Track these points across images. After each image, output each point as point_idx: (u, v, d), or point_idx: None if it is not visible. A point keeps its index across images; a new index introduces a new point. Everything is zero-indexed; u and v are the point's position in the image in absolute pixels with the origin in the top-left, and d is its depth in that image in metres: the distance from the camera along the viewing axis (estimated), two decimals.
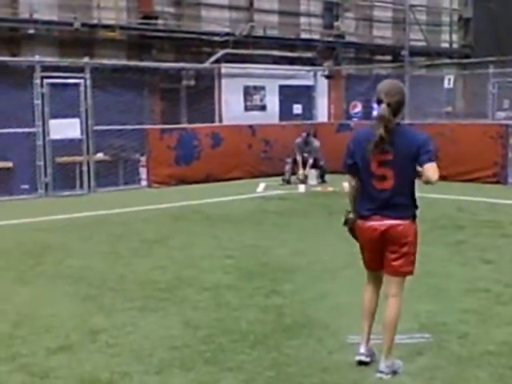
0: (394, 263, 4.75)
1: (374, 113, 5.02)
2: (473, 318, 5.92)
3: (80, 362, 5.02)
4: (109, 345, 5.37)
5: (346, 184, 5.00)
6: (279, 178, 16.50)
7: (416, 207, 4.80)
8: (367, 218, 4.79)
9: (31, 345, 5.41)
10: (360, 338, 5.02)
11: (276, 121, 19.34)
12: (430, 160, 4.61)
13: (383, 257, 4.81)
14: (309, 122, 18.75)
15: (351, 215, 4.95)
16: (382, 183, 4.69)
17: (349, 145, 4.89)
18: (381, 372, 4.67)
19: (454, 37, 28.09)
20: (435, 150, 4.73)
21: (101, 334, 5.61)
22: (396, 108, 4.68)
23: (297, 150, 16.68)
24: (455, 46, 28.08)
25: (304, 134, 17.16)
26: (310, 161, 16.57)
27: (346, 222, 5.01)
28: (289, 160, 16.62)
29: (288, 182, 16.26)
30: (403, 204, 4.72)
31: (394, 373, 4.68)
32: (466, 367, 4.84)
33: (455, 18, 28.14)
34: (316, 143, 16.87)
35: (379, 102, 4.69)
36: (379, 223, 4.73)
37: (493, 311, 6.15)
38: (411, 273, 4.84)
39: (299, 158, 16.55)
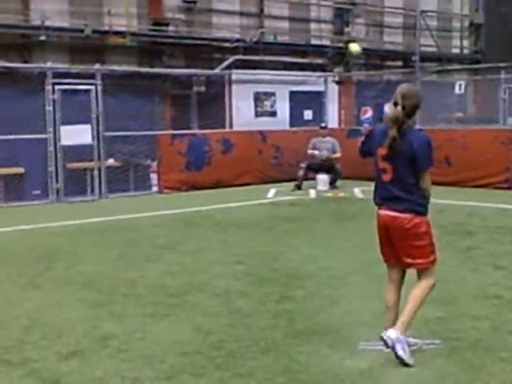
0: (406, 259, 5.09)
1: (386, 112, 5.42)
2: (484, 325, 5.89)
3: (91, 368, 5.03)
4: (120, 350, 5.38)
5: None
6: (290, 184, 16.48)
7: (422, 202, 5.04)
8: (379, 206, 5.21)
9: (42, 350, 5.42)
10: (371, 343, 5.00)
11: (286, 127, 19.35)
12: (424, 168, 5.01)
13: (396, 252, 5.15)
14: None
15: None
16: (384, 176, 5.10)
17: (367, 134, 5.41)
18: (382, 339, 4.99)
19: (465, 42, 28.04)
20: (431, 156, 5.09)
21: (112, 340, 5.62)
22: (410, 111, 5.11)
23: (310, 147, 16.68)
24: (466, 51, 28.03)
25: (324, 124, 17.23)
26: (338, 154, 16.61)
27: None
28: (303, 165, 16.58)
29: (299, 187, 16.22)
30: (403, 198, 5.00)
31: (394, 350, 4.88)
32: (477, 374, 4.81)
33: (466, 23, 28.10)
34: (334, 139, 16.90)
35: (396, 104, 5.10)
36: (385, 213, 5.12)
37: (505, 318, 6.12)
38: (423, 264, 5.09)
39: (314, 152, 16.57)
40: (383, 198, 5.14)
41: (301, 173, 16.45)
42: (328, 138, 16.90)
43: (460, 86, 19.56)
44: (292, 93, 19.73)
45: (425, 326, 5.73)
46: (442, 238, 9.79)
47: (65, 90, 14.62)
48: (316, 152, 16.61)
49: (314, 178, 16.55)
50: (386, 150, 5.02)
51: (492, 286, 7.20)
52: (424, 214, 5.06)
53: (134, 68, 17.82)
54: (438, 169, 16.35)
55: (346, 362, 5.07)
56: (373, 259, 8.59)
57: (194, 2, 19.90)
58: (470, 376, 4.80)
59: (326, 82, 20.00)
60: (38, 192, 14.74)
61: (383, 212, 5.13)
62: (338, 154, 16.68)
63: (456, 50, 27.70)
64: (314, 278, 7.70)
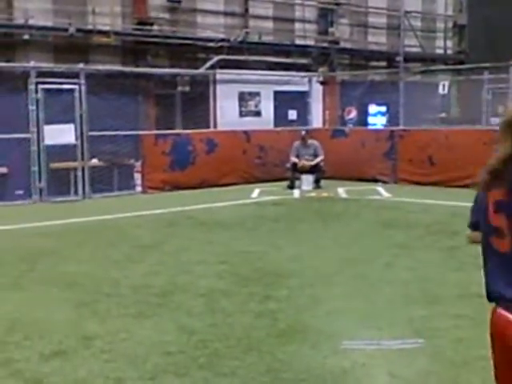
0: None
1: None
2: (466, 323, 5.92)
3: (74, 368, 5.01)
4: (103, 351, 5.36)
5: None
6: (274, 184, 16.54)
7: None
8: (496, 302, 2.91)
9: (25, 350, 5.39)
10: (354, 342, 5.01)
11: (271, 127, 19.36)
12: None
13: None
14: (304, 127, 18.69)
15: None
16: (499, 241, 2.79)
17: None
18: None
19: (449, 43, 28.16)
20: None
21: (95, 340, 5.60)
22: None
23: (292, 153, 16.71)
24: (450, 52, 28.16)
25: (304, 133, 17.21)
26: (320, 158, 16.64)
27: None
28: (288, 165, 16.65)
29: (292, 187, 16.28)
30: None
31: None
32: (459, 372, 4.84)
33: (450, 24, 28.23)
34: (316, 143, 16.91)
35: None
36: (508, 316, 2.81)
37: (486, 316, 6.08)
38: None
39: (295, 160, 16.58)
40: (502, 284, 2.81)
41: (289, 173, 16.54)
42: (310, 142, 16.90)
43: (444, 86, 19.68)
44: (276, 93, 19.75)
45: (408, 325, 5.76)
46: (427, 237, 9.89)
47: (48, 90, 14.53)
48: (297, 160, 16.61)
49: (298, 178, 16.58)
50: (502, 192, 2.73)
51: (474, 286, 7.21)
52: None
53: (118, 67, 17.75)
54: (422, 169, 16.54)
55: (328, 360, 5.09)
56: (356, 258, 8.65)
57: (179, 2, 19.86)
58: (452, 374, 4.83)
59: (310, 82, 20.02)
60: (21, 192, 14.63)
61: (503, 314, 2.85)
62: (319, 158, 16.70)
63: (440, 51, 27.81)
64: (298, 277, 7.70)
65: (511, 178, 2.69)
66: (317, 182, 16.55)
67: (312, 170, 16.61)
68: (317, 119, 20.10)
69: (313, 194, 15.52)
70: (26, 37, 17.17)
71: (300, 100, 19.75)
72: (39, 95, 14.44)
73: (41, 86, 14.46)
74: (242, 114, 19.42)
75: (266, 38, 21.79)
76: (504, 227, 2.71)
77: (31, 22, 17.11)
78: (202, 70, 19.14)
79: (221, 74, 19.06)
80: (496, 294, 2.84)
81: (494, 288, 2.85)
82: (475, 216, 3.00)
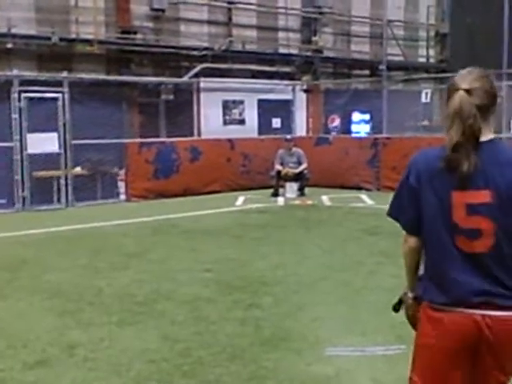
0: None
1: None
2: None
3: (57, 377, 5.00)
4: (86, 359, 5.35)
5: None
6: (258, 192, 16.57)
7: None
8: (448, 308, 2.80)
9: (8, 360, 5.37)
10: (338, 349, 5.03)
11: (255, 135, 19.39)
12: None
13: None
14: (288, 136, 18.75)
15: (409, 294, 3.10)
16: (473, 243, 2.76)
17: (408, 178, 3.01)
18: None
19: (431, 51, 28.34)
20: None
21: (78, 349, 5.58)
22: (486, 103, 2.87)
23: (277, 161, 16.75)
24: (432, 60, 28.34)
25: (289, 137, 17.25)
26: (303, 166, 16.66)
27: (398, 306, 3.22)
28: (273, 173, 16.70)
29: (276, 195, 16.30)
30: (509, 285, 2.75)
31: None
32: None
33: (432, 33, 28.42)
34: (300, 151, 16.96)
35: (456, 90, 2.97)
36: (472, 317, 2.75)
37: None
38: None
39: (279, 168, 16.63)
40: (474, 287, 2.75)
41: (273, 181, 16.58)
42: (294, 150, 16.95)
43: (426, 94, 19.79)
44: (260, 101, 19.78)
45: (391, 331, 5.78)
46: None
47: (31, 98, 14.48)
48: (281, 168, 16.67)
49: (282, 186, 16.62)
50: (485, 194, 2.74)
51: None
52: None
53: (101, 76, 17.74)
54: None
55: (312, 367, 5.10)
56: (340, 266, 8.68)
57: (162, 11, 19.88)
58: None
59: (294, 90, 20.10)
60: (4, 201, 14.56)
61: (466, 317, 2.76)
62: (303, 166, 16.74)
63: (422, 59, 27.98)
64: (282, 284, 7.72)
65: (491, 180, 2.72)
66: (301, 189, 16.60)
67: (296, 177, 16.67)
68: (300, 127, 20.18)
69: (297, 202, 15.56)
70: (9, 45, 17.09)
71: (284, 108, 19.82)
72: (22, 104, 14.39)
73: (24, 95, 14.42)
74: (226, 122, 19.44)
75: (250, 47, 21.84)
76: (484, 229, 2.73)
77: (14, 30, 17.05)
78: (185, 79, 19.16)
79: (204, 83, 19.07)
80: (432, 298, 2.84)
81: (431, 292, 2.84)
82: (410, 213, 3.01)
